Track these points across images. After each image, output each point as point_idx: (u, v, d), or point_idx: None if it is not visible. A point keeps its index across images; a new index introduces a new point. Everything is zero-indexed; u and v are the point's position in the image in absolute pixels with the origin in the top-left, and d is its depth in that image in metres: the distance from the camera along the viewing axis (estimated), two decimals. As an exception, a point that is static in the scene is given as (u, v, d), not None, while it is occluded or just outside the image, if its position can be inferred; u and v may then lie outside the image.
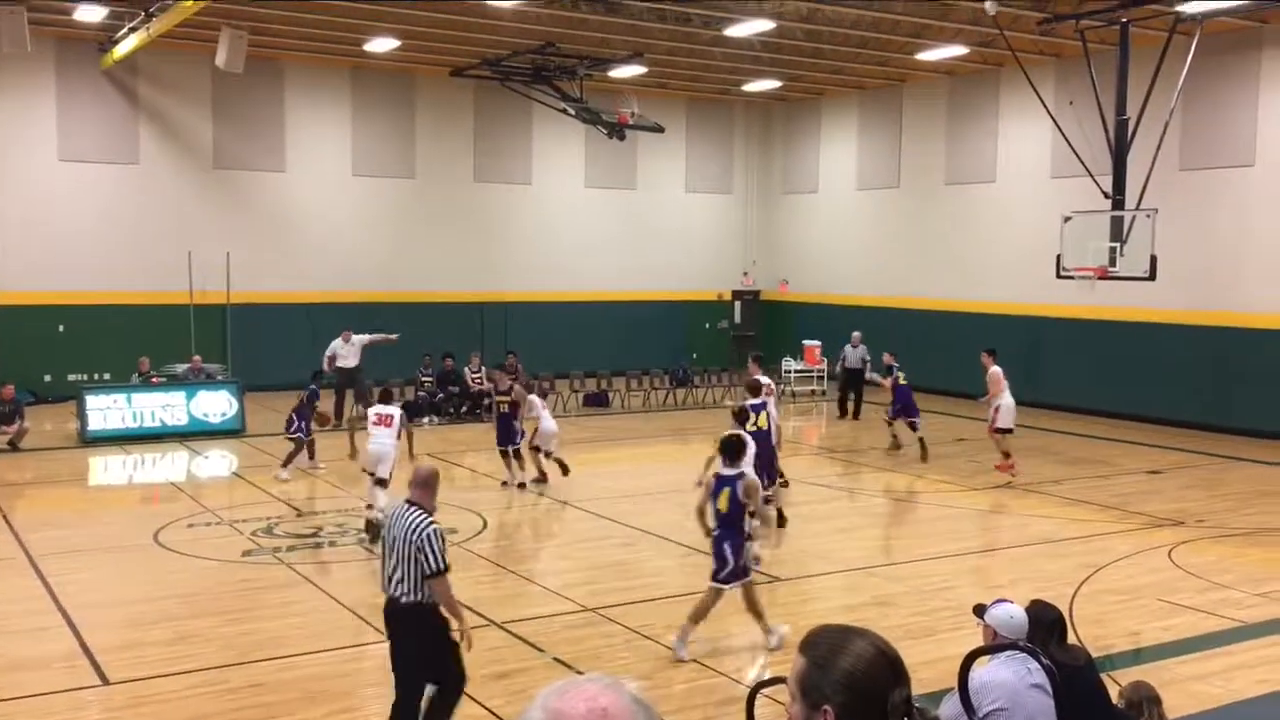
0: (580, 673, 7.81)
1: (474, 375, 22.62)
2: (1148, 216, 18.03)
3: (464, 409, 22.13)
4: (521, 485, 15.45)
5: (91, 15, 19.99)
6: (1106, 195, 18.77)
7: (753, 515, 9.32)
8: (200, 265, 23.57)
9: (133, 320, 23.09)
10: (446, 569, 6.74)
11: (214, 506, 14.43)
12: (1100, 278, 18.60)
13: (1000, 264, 24.37)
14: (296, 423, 16.51)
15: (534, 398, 16.19)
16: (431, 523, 6.81)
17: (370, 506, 12.98)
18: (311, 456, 16.78)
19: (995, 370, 16.98)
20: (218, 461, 18.09)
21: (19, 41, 18.99)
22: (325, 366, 20.57)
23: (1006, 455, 16.81)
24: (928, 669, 7.48)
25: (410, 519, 6.81)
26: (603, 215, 28.78)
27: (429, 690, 6.97)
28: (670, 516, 13.92)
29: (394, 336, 21.51)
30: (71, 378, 22.26)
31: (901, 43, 22.44)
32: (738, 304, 31.11)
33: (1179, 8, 17.41)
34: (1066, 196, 20.78)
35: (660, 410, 23.81)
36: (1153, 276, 17.83)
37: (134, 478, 17.51)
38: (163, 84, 23.84)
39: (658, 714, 1.77)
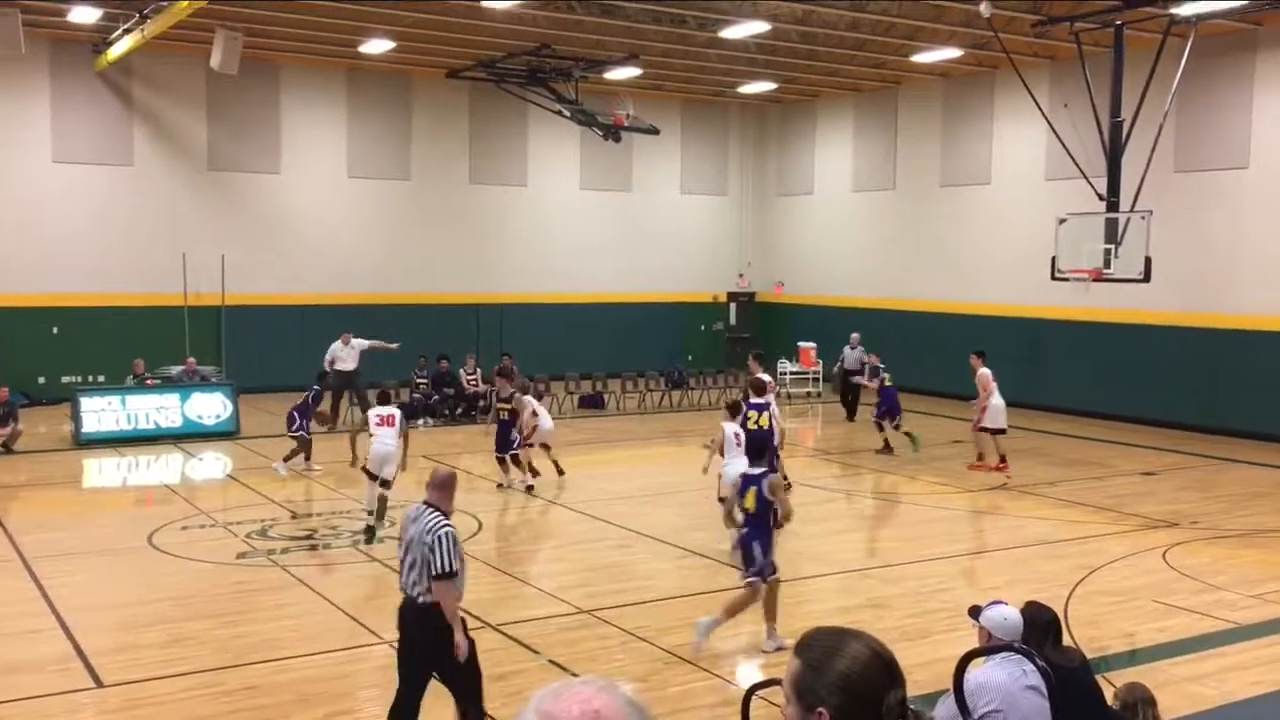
0: (575, 675, 7.83)
1: (469, 377, 22.61)
2: (1142, 219, 18.06)
3: (459, 411, 22.12)
4: (530, 489, 15.40)
5: (86, 17, 19.95)
6: (1101, 197, 18.80)
7: (783, 516, 9.36)
8: (195, 267, 23.53)
9: (127, 322, 23.06)
10: (453, 573, 6.74)
11: (208, 509, 14.40)
12: (1095, 280, 18.62)
13: (995, 266, 24.40)
14: (299, 420, 16.55)
15: (528, 399, 16.21)
16: (446, 525, 6.84)
17: (370, 513, 13.08)
18: (308, 458, 16.78)
19: (984, 372, 17.21)
20: (212, 464, 18.06)
21: (13, 43, 18.96)
22: (326, 368, 20.53)
23: (1002, 457, 17.04)
24: (923, 671, 7.49)
25: (427, 520, 6.85)
26: (598, 217, 28.78)
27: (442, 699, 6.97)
28: (666, 518, 13.94)
29: (394, 346, 21.37)
30: (66, 380, 22.25)
31: (896, 45, 22.47)
32: (733, 306, 31.12)
33: (1173, 10, 17.44)
34: (1061, 198, 20.83)
35: (656, 412, 23.80)
36: (1147, 278, 17.86)
37: (128, 480, 17.48)
38: (157, 86, 23.82)
39: (652, 716, 1.76)
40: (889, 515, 15.48)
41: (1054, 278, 19.32)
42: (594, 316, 28.01)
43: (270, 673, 8.59)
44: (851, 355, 22.85)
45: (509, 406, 15.63)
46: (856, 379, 21.78)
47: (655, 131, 25.28)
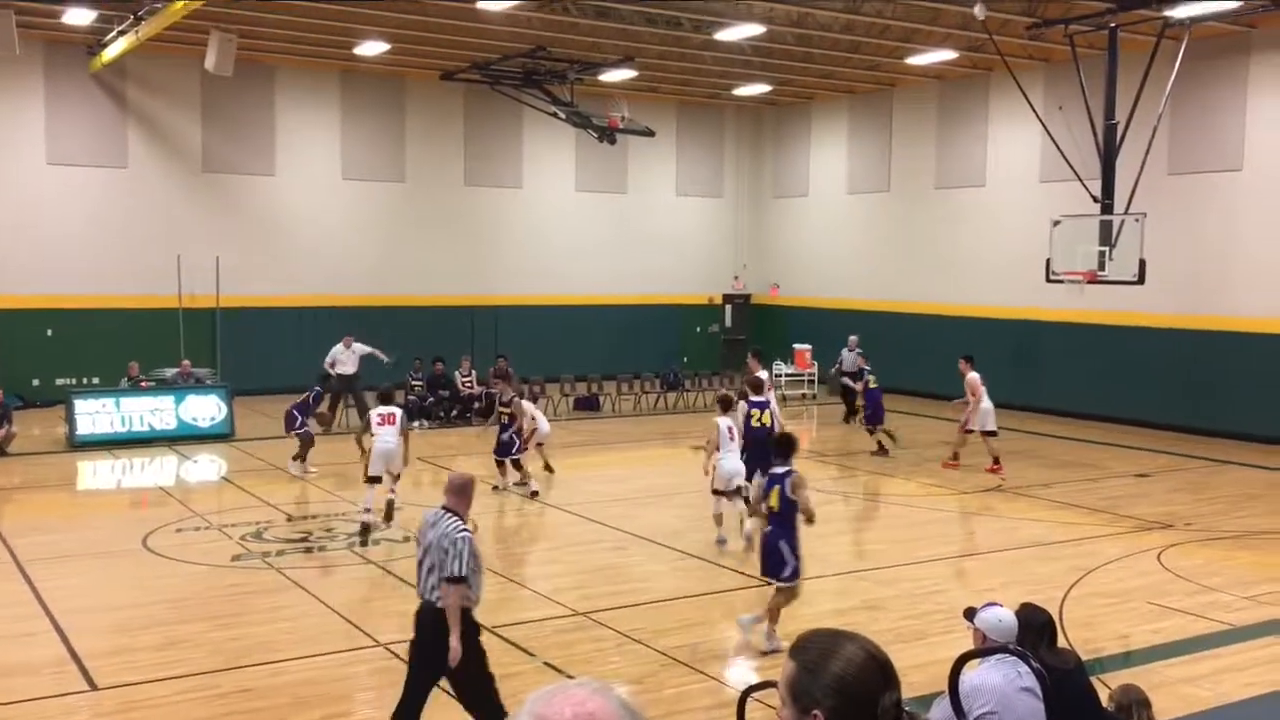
0: (571, 677, 7.83)
1: (464, 379, 22.60)
2: (1136, 221, 18.09)
3: (454, 413, 22.11)
4: (534, 494, 15.34)
5: (80, 18, 19.93)
6: (1095, 199, 18.83)
7: (806, 515, 9.38)
8: (189, 269, 23.50)
9: (122, 324, 23.02)
10: (463, 578, 6.77)
11: (203, 511, 14.38)
12: (1089, 282, 18.65)
13: (990, 268, 24.43)
14: (299, 419, 16.57)
15: (525, 403, 16.20)
16: (465, 531, 6.87)
17: (368, 510, 13.22)
18: (304, 461, 16.76)
19: (973, 376, 17.37)
20: (206, 466, 18.03)
21: (7, 44, 18.93)
22: (327, 370, 20.50)
23: (995, 459, 17.12)
24: (918, 672, 7.50)
25: (445, 525, 6.88)
26: (593, 219, 28.79)
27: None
28: (662, 520, 13.94)
29: (389, 360, 21.27)
30: (60, 382, 22.22)
31: (891, 47, 22.50)
32: (728, 308, 31.13)
33: (1167, 12, 17.47)
34: (1056, 201, 20.86)
35: (651, 414, 23.80)
36: (1142, 280, 17.89)
37: (122, 482, 17.45)
38: (151, 87, 23.79)
39: (646, 718, 1.76)
40: (884, 517, 15.49)
41: (1048, 280, 19.35)
42: (589, 318, 28.01)
43: (265, 675, 8.58)
44: (849, 357, 22.87)
45: (508, 411, 15.64)
46: (844, 381, 21.97)
47: (650, 133, 25.29)
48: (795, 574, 9.20)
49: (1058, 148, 19.69)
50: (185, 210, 24.14)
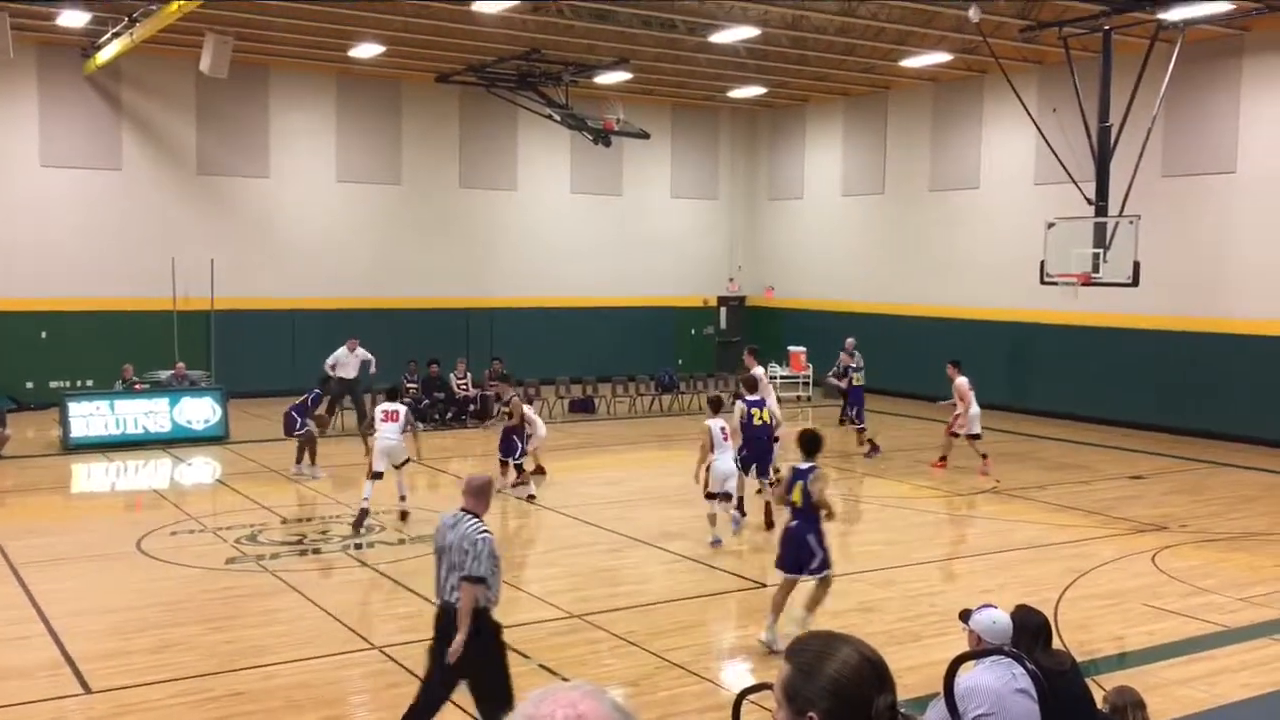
0: (565, 679, 7.83)
1: (459, 381, 22.59)
2: (1130, 223, 18.12)
3: (449, 415, 22.09)
4: (530, 497, 15.32)
5: (74, 20, 19.89)
6: (1090, 201, 18.87)
7: (824, 510, 9.46)
8: (184, 271, 23.48)
9: (116, 327, 22.99)
10: (482, 579, 6.83)
11: (197, 514, 14.35)
12: (1084, 284, 18.68)
13: (984, 270, 24.46)
14: (299, 420, 16.59)
15: (523, 405, 16.20)
16: (486, 532, 6.92)
17: (366, 499, 13.48)
18: (299, 461, 16.77)
19: (961, 381, 17.57)
20: (201, 468, 18.00)
21: (1, 46, 18.89)
22: (329, 372, 20.47)
23: (983, 455, 17.28)
24: (913, 674, 7.51)
25: (465, 526, 6.92)
26: (588, 221, 28.79)
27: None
28: (657, 523, 13.94)
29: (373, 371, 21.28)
30: (54, 384, 22.18)
31: (886, 49, 22.53)
32: (723, 310, 31.15)
33: (1161, 15, 17.51)
34: (1050, 203, 20.90)
35: (646, 416, 23.80)
36: (1136, 282, 17.92)
37: (117, 485, 17.40)
38: (146, 89, 23.76)
39: (638, 720, 1.76)
40: (879, 519, 15.48)
41: (1043, 282, 19.37)
42: (584, 320, 28.01)
43: (259, 679, 8.56)
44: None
45: (508, 410, 15.71)
46: (829, 380, 22.10)
47: (645, 136, 25.31)
48: (824, 564, 9.35)
49: (1052, 150, 19.73)
50: (180, 212, 24.11)
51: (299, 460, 16.77)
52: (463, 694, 7.53)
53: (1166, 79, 18.27)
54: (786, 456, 16.86)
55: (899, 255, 26.78)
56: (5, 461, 17.74)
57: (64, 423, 18.77)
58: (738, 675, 9.00)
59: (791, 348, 26.68)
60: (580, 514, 14.51)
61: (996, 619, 5.47)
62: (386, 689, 8.48)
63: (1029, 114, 20.38)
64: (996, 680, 5.01)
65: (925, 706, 4.77)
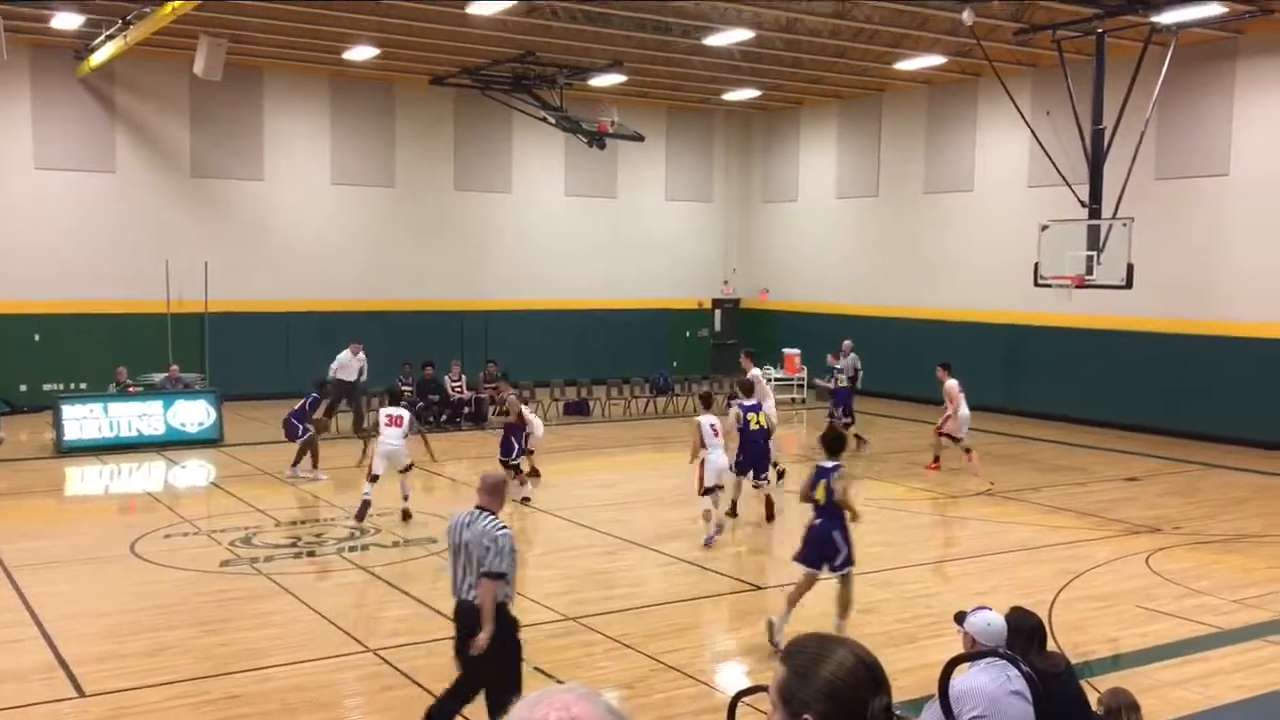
0: (560, 682, 7.83)
1: (454, 384, 22.58)
2: (1124, 225, 18.17)
3: (444, 418, 22.07)
4: (525, 500, 15.30)
5: (68, 23, 19.86)
6: (1083, 204, 18.91)
7: (849, 511, 9.60)
8: (178, 274, 23.44)
9: (110, 329, 22.95)
10: (503, 575, 6.93)
11: (191, 517, 14.33)
12: (1077, 286, 18.72)
13: (978, 272, 24.49)
14: (299, 426, 16.61)
15: (521, 405, 16.18)
16: (504, 527, 7.01)
17: (367, 493, 13.74)
18: (296, 464, 16.75)
19: (951, 383, 17.77)
20: (195, 471, 17.97)
21: (-5, 49, 18.87)
22: (332, 374, 20.53)
23: (967, 450, 17.49)
24: (908, 676, 7.50)
25: (483, 524, 6.99)
26: (583, 224, 28.79)
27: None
28: (652, 525, 13.94)
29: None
30: (47, 387, 22.12)
31: (880, 52, 22.56)
32: (718, 312, 31.16)
33: (1154, 18, 17.55)
34: (1044, 205, 20.94)
35: (641, 418, 23.81)
36: (1129, 285, 17.96)
37: (111, 488, 17.37)
38: (140, 92, 23.73)
39: (634, 723, 1.77)
40: (873, 521, 15.43)
41: (1037, 284, 19.41)
42: (579, 323, 28.02)
43: (253, 681, 8.55)
44: (845, 362, 22.90)
45: (505, 409, 15.77)
46: (816, 382, 22.29)
47: (640, 138, 25.31)
48: (848, 561, 9.44)
49: (1045, 153, 19.76)
50: (174, 215, 24.07)
51: (296, 463, 16.76)
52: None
53: (1160, 82, 18.31)
54: (784, 458, 17.01)
55: (893, 258, 26.81)
56: (-1, 464, 17.71)
57: (57, 425, 18.73)
58: (733, 678, 9.01)
59: (786, 350, 26.69)
60: (575, 516, 14.51)
61: (991, 621, 5.48)
62: (381, 692, 8.48)
63: (1023, 117, 20.42)
64: (991, 682, 5.02)
65: (921, 708, 4.77)
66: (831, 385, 20.25)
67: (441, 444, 20.00)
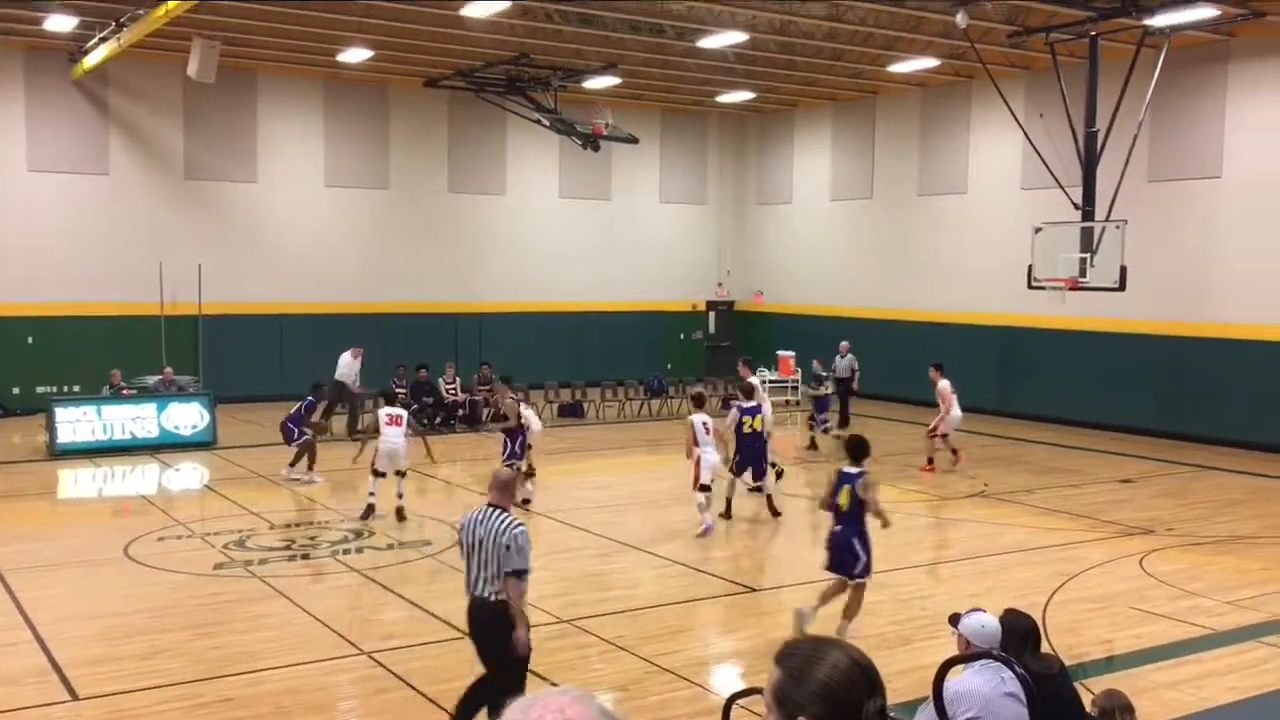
0: (554, 684, 7.81)
1: (448, 386, 22.57)
2: (1117, 228, 18.21)
3: (438, 420, 22.05)
4: (526, 502, 15.27)
5: (62, 25, 19.83)
6: (1076, 206, 18.94)
7: (877, 515, 9.65)
8: (171, 276, 23.40)
9: (103, 332, 22.91)
10: (528, 570, 7.01)
11: (185, 519, 14.30)
12: (1071, 288, 18.76)
13: (972, 275, 24.53)
14: (295, 430, 16.61)
15: (522, 407, 16.12)
16: (520, 524, 7.05)
17: (372, 494, 14.00)
18: (293, 465, 16.73)
19: (944, 384, 17.98)
20: (189, 474, 17.94)
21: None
22: (348, 383, 20.74)
23: (954, 450, 17.76)
24: (903, 678, 7.52)
25: (497, 521, 7.03)
26: (577, 226, 28.79)
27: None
28: (646, 527, 13.94)
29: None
30: (40, 390, 22.07)
31: (874, 55, 22.60)
32: (712, 314, 31.17)
33: (1147, 21, 17.60)
34: (1037, 207, 20.97)
35: (635, 421, 23.81)
36: (1123, 287, 18.00)
37: (104, 491, 17.33)
38: (133, 94, 23.70)
39: (628, 725, 1.77)
40: (868, 523, 15.49)
41: (1030, 286, 19.44)
42: (573, 325, 28.02)
43: (247, 684, 8.53)
44: (841, 363, 23.00)
45: (503, 412, 15.81)
46: (804, 386, 22.44)
47: (634, 140, 25.32)
48: (866, 570, 9.48)
49: (1039, 155, 19.81)
50: (167, 217, 24.04)
51: (293, 464, 16.74)
52: (454, 700, 7.53)
53: (1152, 84, 18.36)
54: (781, 459, 17.04)
55: (887, 260, 26.85)
56: (-9, 467, 17.67)
57: (51, 428, 18.68)
58: (728, 680, 9.00)
59: (780, 352, 26.69)
60: (569, 518, 14.50)
61: (985, 623, 5.48)
62: (375, 694, 8.47)
63: (1016, 119, 20.46)
64: (985, 684, 5.02)
65: (915, 710, 4.78)
66: (818, 391, 20.78)
67: (436, 446, 20.00)
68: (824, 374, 21.26)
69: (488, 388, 22.65)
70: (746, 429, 14.09)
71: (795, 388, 26.49)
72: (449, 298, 26.77)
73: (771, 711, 2.25)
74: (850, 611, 9.49)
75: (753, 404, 14.43)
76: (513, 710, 1.75)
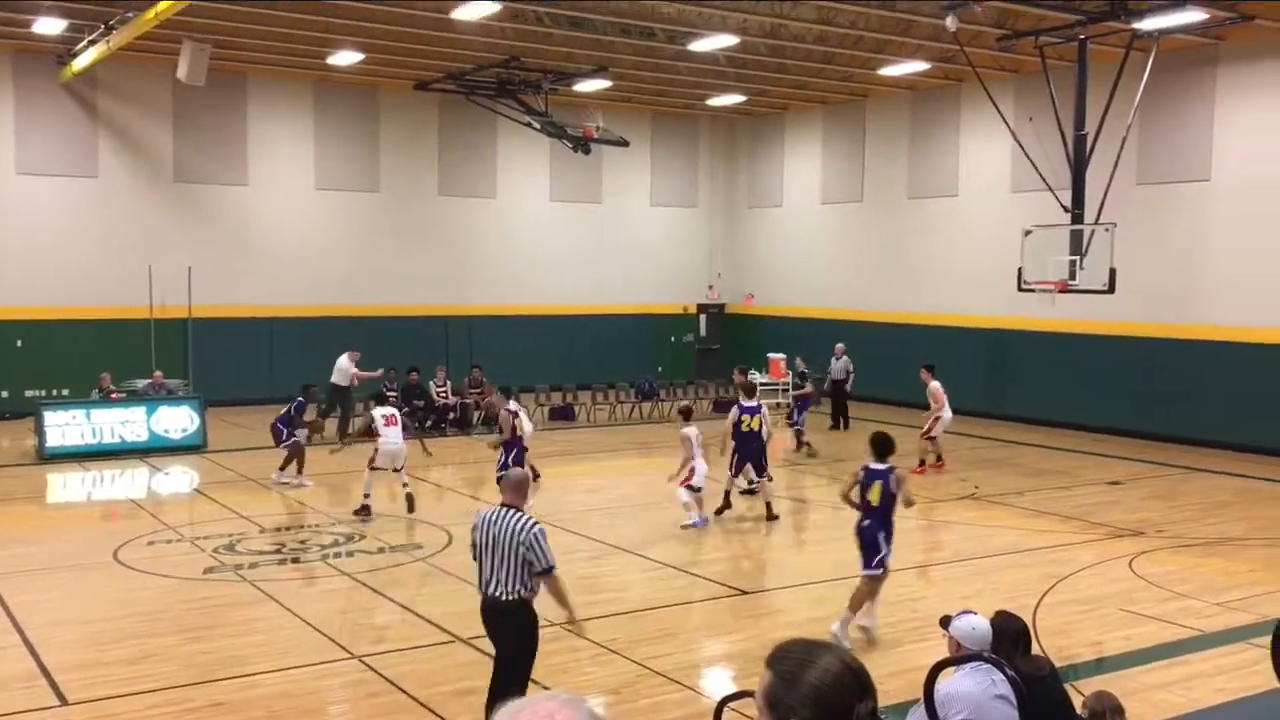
0: (546, 688, 7.81)
1: (439, 389, 22.55)
2: (1106, 230, 18.27)
3: (428, 423, 22.02)
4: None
5: (51, 27, 19.77)
6: (1066, 209, 19.00)
7: (908, 504, 9.90)
8: (161, 279, 23.34)
9: (92, 335, 22.83)
10: (554, 567, 7.16)
11: (175, 523, 14.26)
12: (1060, 291, 18.82)
13: (962, 277, 24.59)
14: (285, 432, 16.59)
15: (509, 410, 16.06)
16: (536, 523, 7.14)
17: (367, 495, 14.29)
18: (282, 469, 16.70)
19: (935, 385, 18.12)
20: (179, 478, 17.89)
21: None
22: (343, 382, 20.85)
23: (933, 459, 17.88)
24: (894, 681, 7.54)
25: (513, 522, 7.10)
26: (568, 229, 28.79)
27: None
28: (637, 530, 13.94)
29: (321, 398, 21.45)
30: (30, 394, 21.98)
31: (864, 58, 22.64)
32: (703, 317, 31.19)
33: (1136, 25, 17.66)
34: (1027, 210, 21.03)
35: (626, 424, 23.81)
36: (1112, 289, 18.06)
37: (93, 495, 17.28)
38: (123, 97, 23.64)
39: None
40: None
41: (1020, 289, 19.51)
42: (564, 328, 28.00)
43: (238, 689, 8.51)
44: (837, 365, 23.08)
45: (493, 413, 15.93)
46: (799, 389, 22.48)
47: (625, 143, 25.33)
48: (883, 563, 9.61)
49: (1029, 158, 19.86)
50: (157, 220, 23.97)
51: (283, 468, 16.70)
52: (446, 703, 7.53)
53: (1141, 88, 18.42)
54: (775, 459, 17.07)
55: (878, 263, 26.89)
56: (-20, 471, 17.59)
57: (39, 432, 18.62)
58: (719, 683, 9.00)
59: (771, 355, 26.72)
60: (561, 521, 14.47)
61: (976, 625, 5.50)
62: (366, 698, 8.46)
63: (1006, 122, 20.51)
64: (976, 686, 5.04)
65: (906, 713, 4.79)
66: (802, 389, 21.16)
67: (422, 452, 20.01)
68: (805, 370, 21.48)
69: (478, 391, 22.65)
70: (744, 428, 14.33)
71: (786, 390, 26.50)
72: (440, 301, 26.75)
73: (763, 714, 2.25)
74: (855, 602, 9.58)
75: (753, 404, 14.64)
76: (503, 715, 1.75)
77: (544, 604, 10.72)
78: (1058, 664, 6.55)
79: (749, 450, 14.48)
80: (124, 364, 21.86)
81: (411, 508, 14.51)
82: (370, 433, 14.88)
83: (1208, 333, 20.27)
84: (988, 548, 13.35)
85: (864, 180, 27.41)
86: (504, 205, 27.97)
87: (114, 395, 20.13)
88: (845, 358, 22.95)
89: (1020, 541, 13.55)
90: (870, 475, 9.65)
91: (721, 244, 31.21)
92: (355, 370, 21.02)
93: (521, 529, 7.04)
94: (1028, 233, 19.37)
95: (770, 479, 15.09)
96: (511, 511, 7.16)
